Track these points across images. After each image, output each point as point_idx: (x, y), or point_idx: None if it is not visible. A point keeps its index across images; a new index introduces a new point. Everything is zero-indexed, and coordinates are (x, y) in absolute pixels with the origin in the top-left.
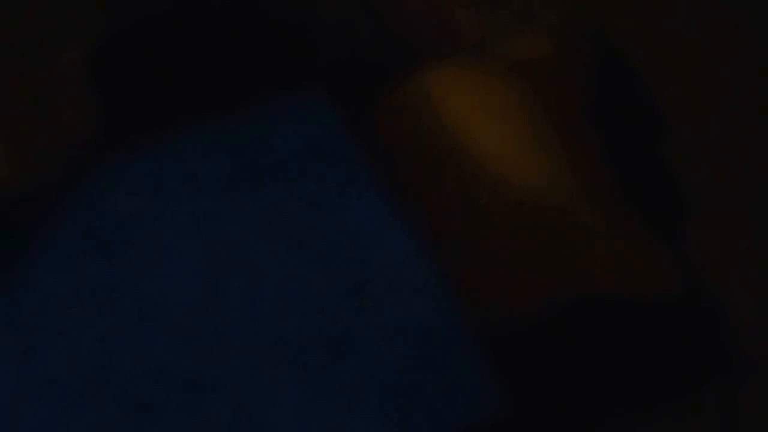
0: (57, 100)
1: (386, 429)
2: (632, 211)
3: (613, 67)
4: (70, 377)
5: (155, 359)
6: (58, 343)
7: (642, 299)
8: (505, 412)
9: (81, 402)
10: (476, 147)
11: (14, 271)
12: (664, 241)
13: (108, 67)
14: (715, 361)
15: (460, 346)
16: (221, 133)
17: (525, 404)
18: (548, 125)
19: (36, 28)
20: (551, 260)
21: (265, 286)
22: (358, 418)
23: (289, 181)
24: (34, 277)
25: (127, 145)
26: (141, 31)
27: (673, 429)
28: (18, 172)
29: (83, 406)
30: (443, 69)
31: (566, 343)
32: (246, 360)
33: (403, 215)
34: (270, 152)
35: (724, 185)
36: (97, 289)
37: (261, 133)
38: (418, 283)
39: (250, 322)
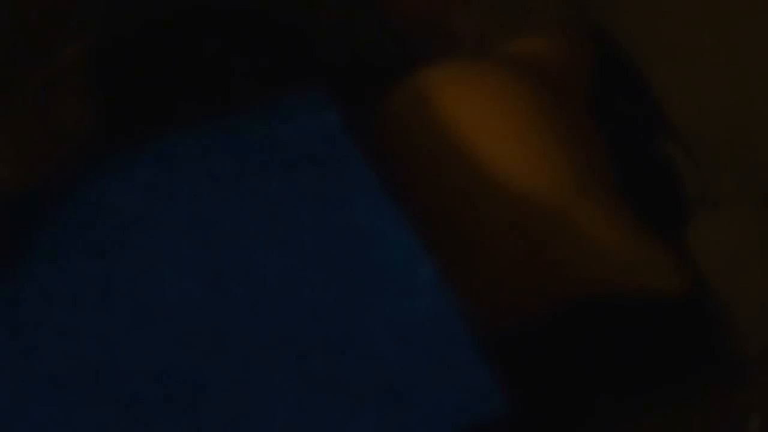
0: (56, 99)
1: (386, 429)
2: (633, 210)
3: (614, 66)
4: (67, 377)
5: (153, 359)
6: (56, 342)
7: (642, 298)
8: (506, 412)
9: (78, 401)
10: (476, 147)
11: (12, 270)
12: (664, 240)
13: (108, 67)
14: (715, 360)
15: (460, 347)
16: (221, 132)
17: (525, 404)
18: (548, 125)
19: (35, 28)
20: (552, 260)
21: (264, 285)
22: (357, 417)
23: (289, 181)
24: (32, 276)
25: (126, 144)
26: (141, 30)
27: (672, 428)
28: (17, 171)
29: (81, 406)
30: (443, 69)
31: (567, 342)
32: (244, 359)
33: (403, 215)
34: (269, 152)
35: (725, 184)
36: (96, 288)
37: (261, 133)
38: (418, 283)
39: (249, 322)
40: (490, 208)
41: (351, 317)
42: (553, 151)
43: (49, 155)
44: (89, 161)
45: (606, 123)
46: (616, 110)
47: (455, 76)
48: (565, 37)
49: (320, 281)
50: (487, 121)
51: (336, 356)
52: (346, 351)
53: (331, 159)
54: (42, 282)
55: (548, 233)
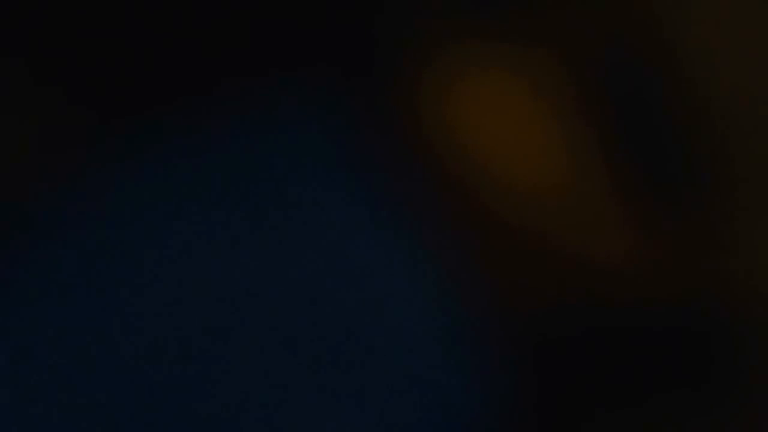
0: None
1: (385, 428)
2: (636, 211)
3: (619, 64)
4: (66, 377)
5: (151, 359)
6: (55, 342)
7: (642, 299)
8: (505, 412)
9: (77, 402)
10: (478, 146)
11: (12, 269)
12: (666, 240)
13: (104, 63)
14: (715, 361)
15: (458, 347)
16: (220, 132)
17: (525, 404)
18: (553, 123)
19: None
20: (553, 260)
21: (261, 286)
22: (356, 417)
23: (288, 181)
24: (30, 275)
25: (125, 144)
26: (139, 26)
27: (673, 429)
28: (15, 171)
29: (79, 406)
30: (445, 67)
31: (566, 343)
32: (243, 360)
33: (404, 215)
34: (269, 152)
35: (726, 184)
36: (95, 288)
37: (260, 133)
38: (416, 283)
39: (248, 322)
40: (491, 208)
41: (349, 318)
42: (556, 150)
43: (45, 154)
44: (87, 160)
45: (611, 120)
46: (621, 108)
47: (457, 75)
48: (566, 34)
49: (318, 282)
50: (490, 120)
51: (334, 356)
52: (343, 351)
53: (330, 159)
54: (41, 282)
55: (550, 233)
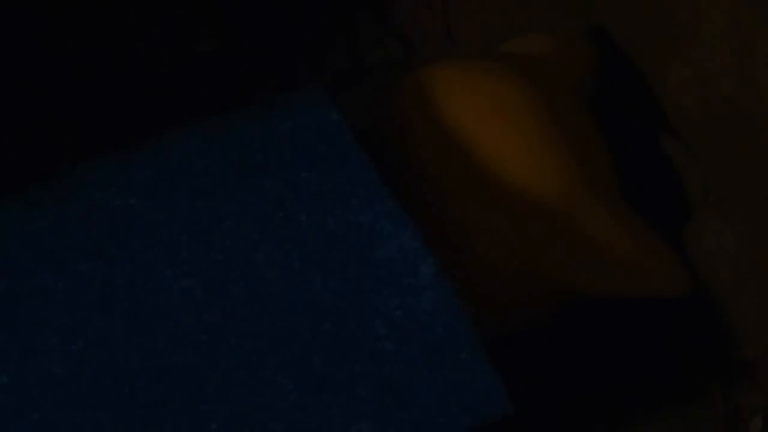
0: None
1: (387, 428)
2: (633, 210)
3: (616, 64)
4: (66, 377)
5: (152, 358)
6: (56, 342)
7: (642, 298)
8: (507, 411)
9: (77, 401)
10: (476, 147)
11: (12, 270)
12: (665, 240)
13: (104, 66)
14: (715, 360)
15: (461, 346)
16: (221, 131)
17: (525, 404)
18: (548, 123)
19: None
20: (552, 259)
21: (263, 285)
22: (357, 418)
23: (289, 180)
24: (32, 276)
25: (125, 143)
26: (141, 30)
27: (673, 428)
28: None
29: (80, 406)
30: (443, 69)
31: (566, 342)
32: (245, 359)
33: (404, 214)
34: (269, 151)
35: (724, 184)
36: (96, 288)
37: (261, 132)
38: (418, 283)
39: (249, 321)
40: (491, 206)
41: (351, 316)
42: (553, 149)
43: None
44: (85, 160)
45: (607, 121)
46: (617, 109)
47: (455, 76)
48: (565, 35)
49: (320, 280)
50: (487, 121)
51: (337, 355)
52: (346, 350)
53: (331, 158)
54: (42, 282)
55: (548, 232)
